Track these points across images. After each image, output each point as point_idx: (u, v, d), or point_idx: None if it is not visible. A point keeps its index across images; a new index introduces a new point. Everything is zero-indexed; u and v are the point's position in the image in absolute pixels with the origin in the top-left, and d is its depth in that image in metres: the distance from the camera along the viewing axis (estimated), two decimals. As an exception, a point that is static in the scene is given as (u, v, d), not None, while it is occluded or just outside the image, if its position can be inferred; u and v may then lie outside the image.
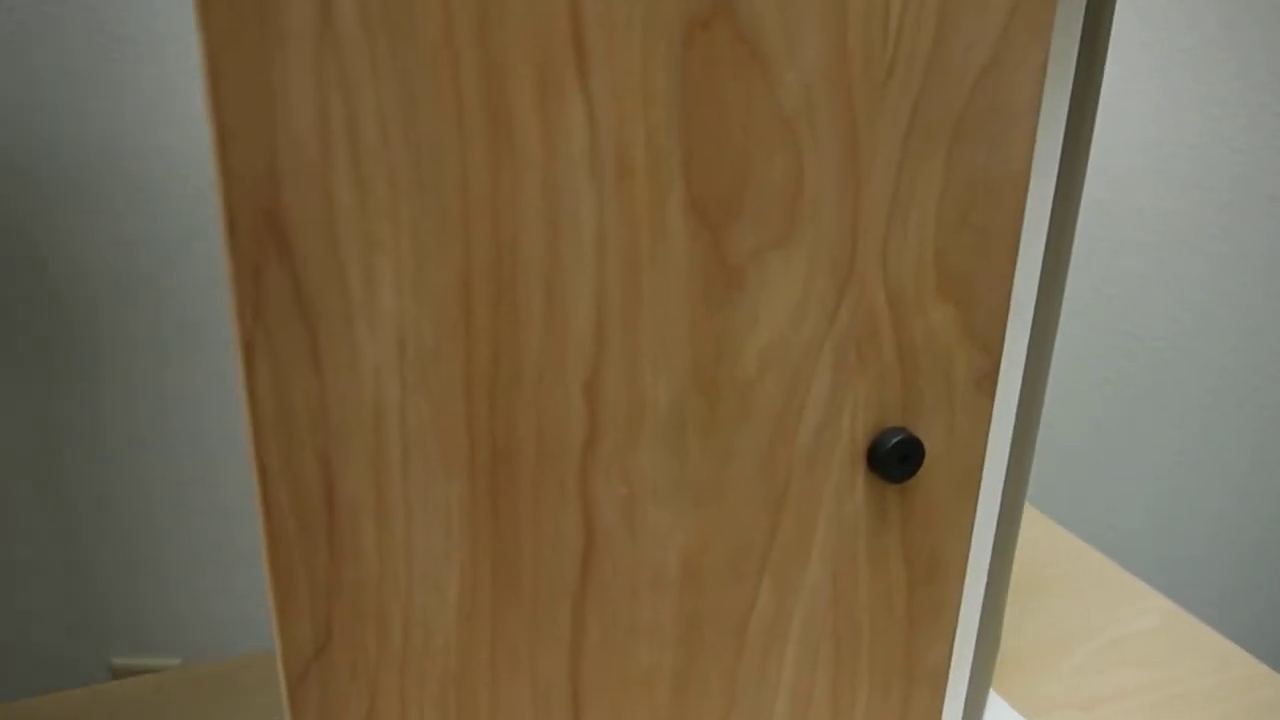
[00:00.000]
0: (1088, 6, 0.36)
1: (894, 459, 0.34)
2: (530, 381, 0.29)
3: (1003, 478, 0.41)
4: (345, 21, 0.25)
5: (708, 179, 0.29)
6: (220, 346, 0.88)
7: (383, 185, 0.26)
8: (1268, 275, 1.10)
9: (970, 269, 0.33)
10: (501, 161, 0.27)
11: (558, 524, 0.31)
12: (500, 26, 0.26)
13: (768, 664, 0.36)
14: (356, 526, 0.29)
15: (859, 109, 0.30)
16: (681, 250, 0.30)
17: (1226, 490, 1.19)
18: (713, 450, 0.32)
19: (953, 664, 0.42)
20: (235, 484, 0.93)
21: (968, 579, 0.42)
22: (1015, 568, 0.68)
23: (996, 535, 0.43)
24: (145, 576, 0.96)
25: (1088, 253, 1.03)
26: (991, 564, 0.44)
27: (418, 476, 0.29)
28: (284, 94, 0.25)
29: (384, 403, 0.28)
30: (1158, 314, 1.09)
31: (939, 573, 0.38)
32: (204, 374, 0.89)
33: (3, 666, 0.96)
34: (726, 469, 0.33)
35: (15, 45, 0.76)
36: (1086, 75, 0.38)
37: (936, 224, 0.32)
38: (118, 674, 0.96)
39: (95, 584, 0.95)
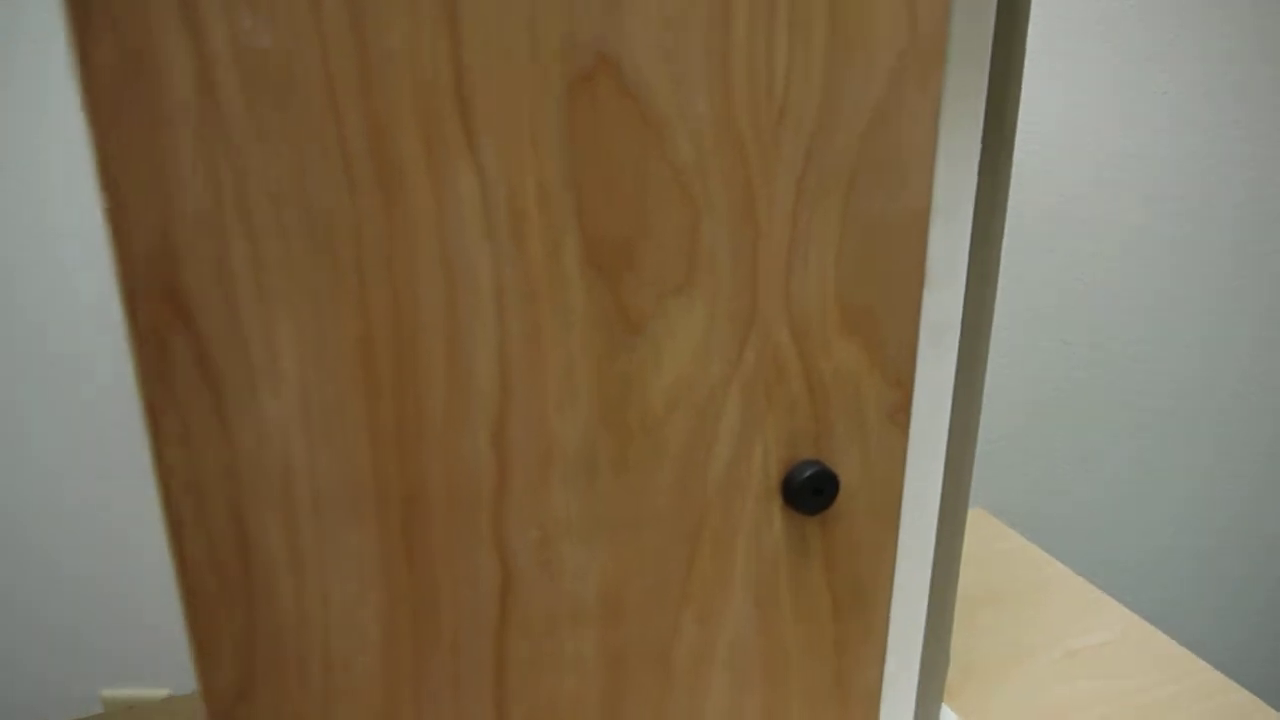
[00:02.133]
0: (995, 50, 0.37)
1: (808, 492, 0.35)
2: (436, 431, 0.30)
3: (938, 499, 0.42)
4: (226, 92, 0.26)
5: (602, 228, 0.30)
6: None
7: (277, 251, 0.27)
8: (1225, 286, 1.10)
9: (874, 307, 0.34)
10: (394, 222, 0.28)
11: (473, 565, 0.32)
12: (383, 85, 0.27)
13: (696, 691, 0.37)
14: (272, 576, 0.30)
15: (752, 161, 0.31)
16: (580, 299, 0.31)
17: (1187, 495, 1.20)
18: (625, 486, 0.33)
19: (901, 680, 0.43)
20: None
21: (913, 596, 0.42)
22: (976, 580, 0.69)
23: (937, 554, 0.44)
24: (135, 607, 0.97)
25: (1053, 265, 1.04)
26: (933, 582, 0.45)
27: (330, 527, 0.30)
28: (174, 168, 0.26)
29: (291, 459, 0.29)
30: (1118, 322, 1.09)
31: (864, 599, 0.38)
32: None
33: (-1, 698, 0.98)
34: (640, 504, 0.34)
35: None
36: (999, 114, 0.39)
37: (837, 266, 0.33)
38: (107, 705, 0.97)
39: (85, 614, 0.97)
